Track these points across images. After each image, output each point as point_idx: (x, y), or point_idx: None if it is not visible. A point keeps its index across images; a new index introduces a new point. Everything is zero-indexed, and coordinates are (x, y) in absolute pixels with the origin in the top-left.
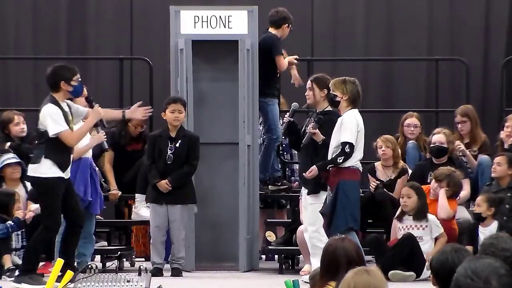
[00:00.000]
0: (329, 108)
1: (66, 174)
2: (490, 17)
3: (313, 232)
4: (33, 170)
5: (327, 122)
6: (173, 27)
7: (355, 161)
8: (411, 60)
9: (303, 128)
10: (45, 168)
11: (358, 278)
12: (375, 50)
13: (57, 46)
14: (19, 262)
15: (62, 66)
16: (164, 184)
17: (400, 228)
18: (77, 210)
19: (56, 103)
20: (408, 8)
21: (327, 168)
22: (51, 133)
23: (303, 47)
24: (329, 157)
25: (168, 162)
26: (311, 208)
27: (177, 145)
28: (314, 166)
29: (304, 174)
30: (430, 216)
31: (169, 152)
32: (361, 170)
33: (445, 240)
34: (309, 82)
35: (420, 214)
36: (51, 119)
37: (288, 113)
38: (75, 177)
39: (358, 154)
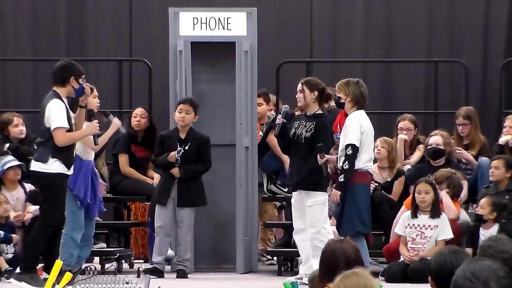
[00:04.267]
0: (320, 111)
1: (70, 171)
2: (489, 19)
3: (314, 233)
4: (39, 166)
5: (320, 124)
6: (172, 29)
7: (362, 163)
8: (410, 62)
9: (293, 131)
10: (53, 167)
11: (347, 281)
12: (374, 52)
13: (56, 48)
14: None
15: (73, 63)
16: (176, 169)
17: (410, 226)
18: (64, 210)
19: (61, 99)
20: (407, 9)
21: (340, 179)
22: (53, 126)
23: (302, 49)
24: (339, 160)
25: (176, 165)
26: (310, 210)
27: (186, 147)
28: (334, 190)
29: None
30: (443, 216)
31: (176, 156)
32: (372, 172)
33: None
34: (300, 84)
35: (436, 211)
36: (57, 113)
37: (280, 115)
38: (76, 178)
39: (366, 156)
